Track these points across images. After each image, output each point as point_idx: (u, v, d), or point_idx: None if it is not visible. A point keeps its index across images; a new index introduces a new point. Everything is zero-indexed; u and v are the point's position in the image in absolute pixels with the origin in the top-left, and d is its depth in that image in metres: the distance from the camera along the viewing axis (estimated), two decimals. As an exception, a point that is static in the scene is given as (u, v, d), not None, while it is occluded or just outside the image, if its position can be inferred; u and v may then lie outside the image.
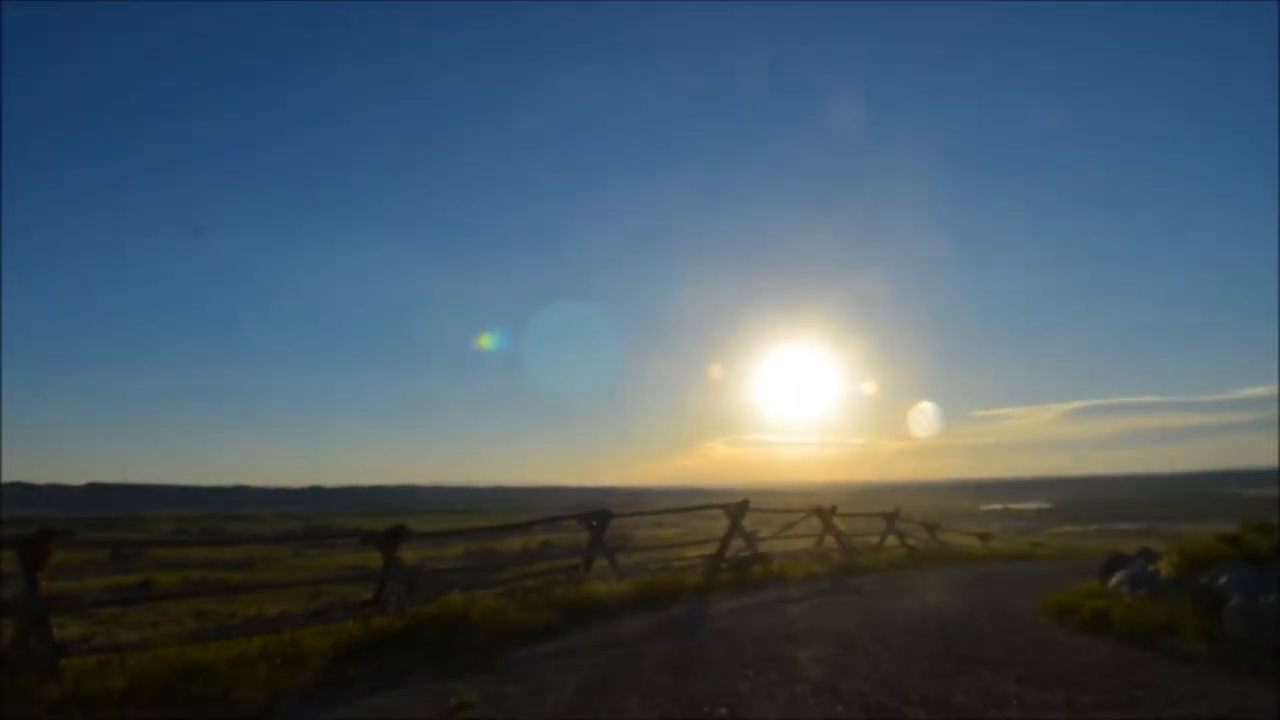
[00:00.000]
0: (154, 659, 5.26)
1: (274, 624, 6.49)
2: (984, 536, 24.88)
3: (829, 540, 15.00)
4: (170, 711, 4.68)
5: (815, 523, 15.54)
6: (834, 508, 15.58)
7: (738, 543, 11.84)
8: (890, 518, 17.87)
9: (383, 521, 9.22)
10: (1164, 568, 6.96)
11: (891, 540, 17.41)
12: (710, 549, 12.22)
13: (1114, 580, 7.62)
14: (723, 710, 4.51)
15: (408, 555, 8.07)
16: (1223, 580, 6.16)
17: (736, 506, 11.87)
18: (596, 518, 10.26)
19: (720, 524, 12.35)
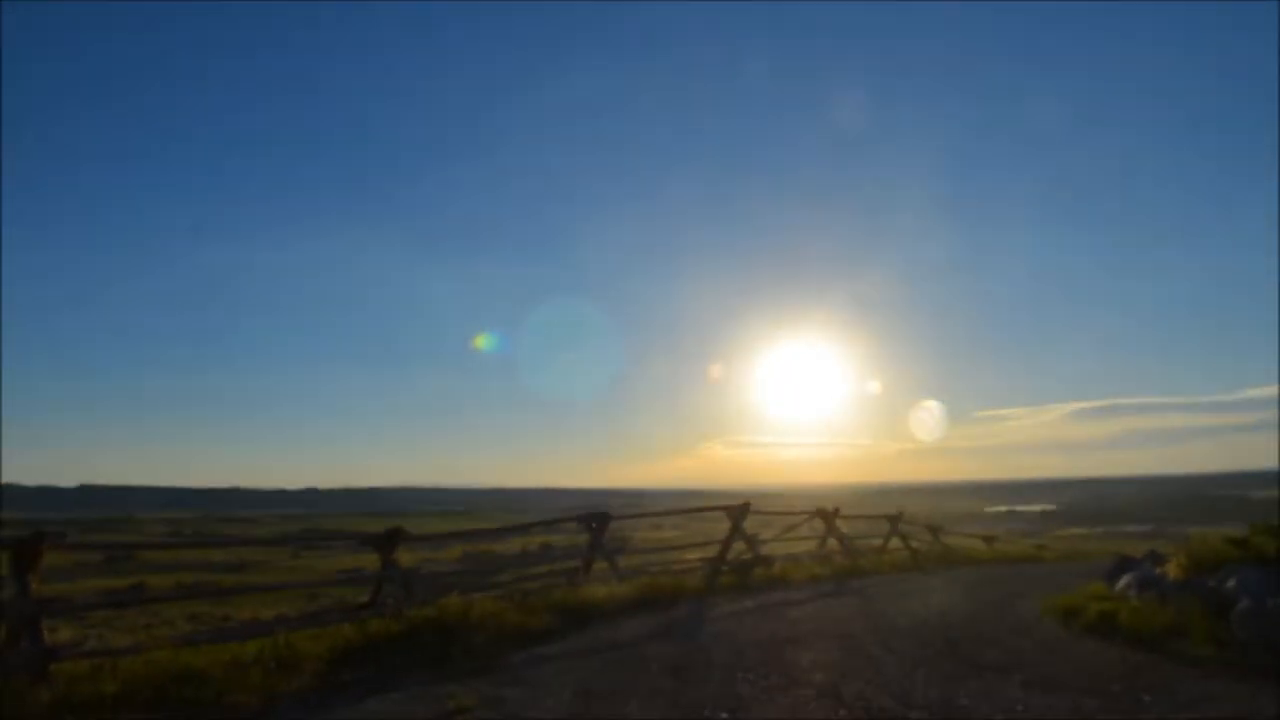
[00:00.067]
0: (147, 663, 5.19)
1: (269, 627, 6.42)
2: (988, 539, 24.81)
3: (831, 543, 14.93)
4: (163, 716, 4.62)
5: (817, 525, 15.47)
6: (836, 510, 15.51)
7: (739, 545, 11.76)
8: (893, 520, 17.80)
9: (380, 523, 9.19)
10: (1171, 570, 6.89)
11: (895, 543, 17.34)
12: (711, 551, 12.15)
13: (1121, 583, 7.55)
14: (723, 715, 4.46)
15: (405, 557, 8.02)
16: (1231, 583, 6.10)
17: (738, 508, 11.79)
18: (596, 519, 10.20)
19: (721, 526, 12.28)
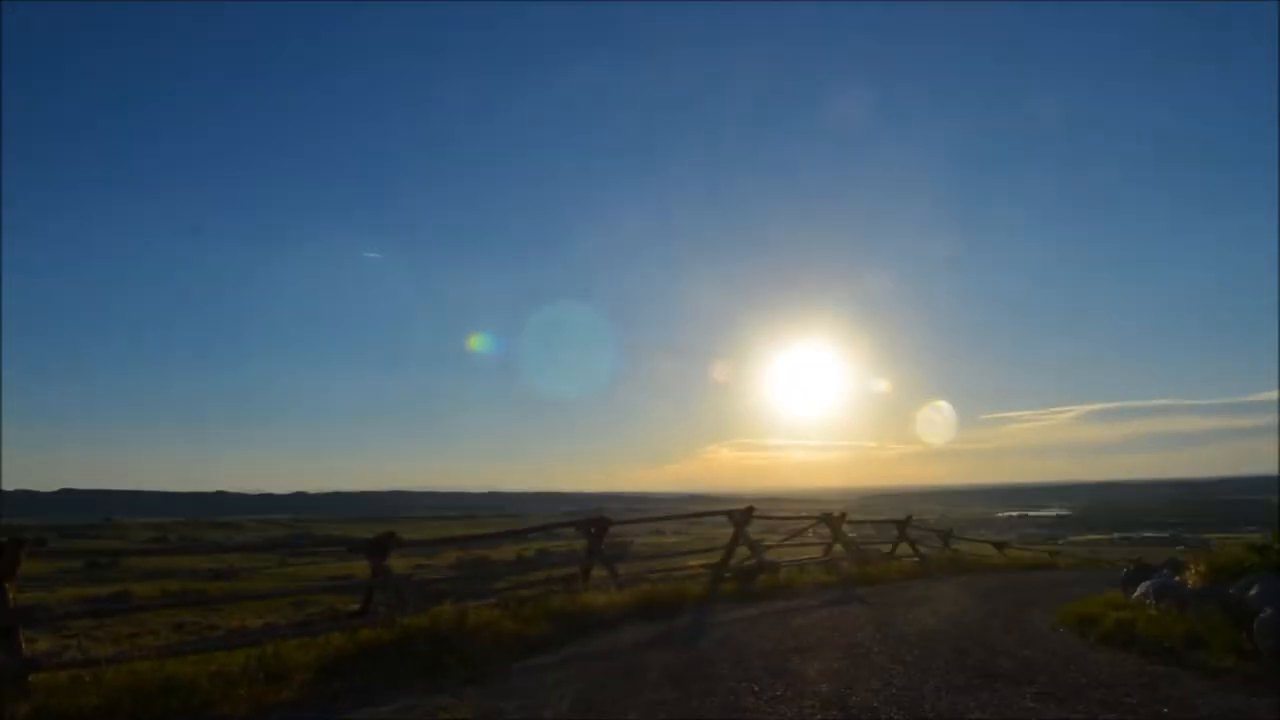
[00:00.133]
0: (130, 674, 5.08)
1: (257, 636, 6.32)
2: (1000, 545, 24.61)
3: (838, 548, 14.76)
4: (146, 728, 4.50)
5: (823, 530, 15.31)
6: (843, 514, 15.36)
7: (742, 551, 11.60)
8: (902, 525, 17.61)
9: (371, 529, 9.03)
10: (1191, 578, 6.70)
11: (903, 549, 17.16)
12: (714, 557, 11.98)
13: (1138, 591, 7.36)
14: (725, 728, 4.30)
15: (397, 564, 7.92)
16: (1253, 592, 5.91)
17: (741, 513, 11.65)
18: (594, 525, 10.08)
19: (724, 531, 12.14)
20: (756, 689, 5.11)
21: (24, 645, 5.07)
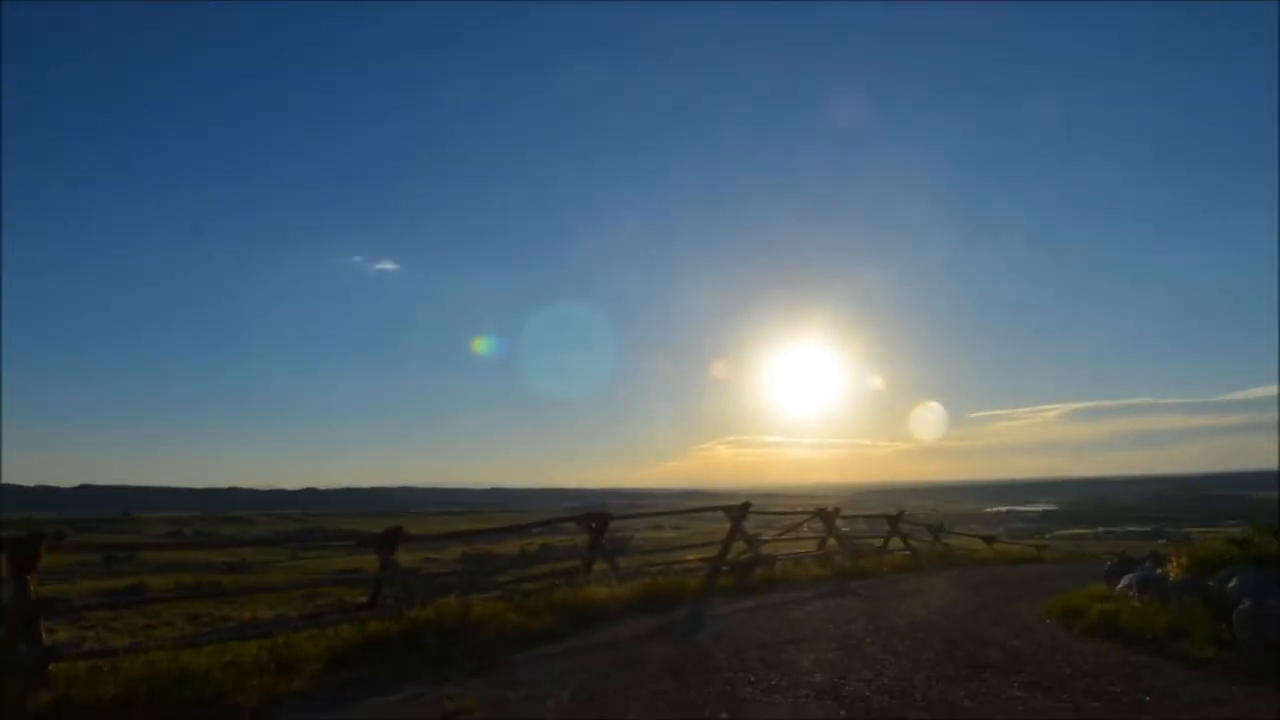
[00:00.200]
0: (146, 664, 5.17)
1: (269, 628, 6.42)
2: (989, 539, 24.82)
3: (832, 543, 14.91)
4: (162, 717, 4.61)
5: (818, 525, 15.45)
6: (837, 510, 15.50)
7: (739, 545, 11.75)
8: (894, 520, 17.79)
9: (379, 523, 9.15)
10: (1173, 571, 6.85)
11: (895, 543, 17.32)
12: (711, 552, 12.13)
13: (1122, 583, 7.51)
14: (724, 715, 4.44)
15: (405, 558, 8.00)
16: (1232, 583, 6.06)
17: (738, 509, 11.78)
18: (596, 520, 10.19)
19: (721, 526, 12.27)
20: (753, 679, 5.23)
21: (44, 635, 5.16)
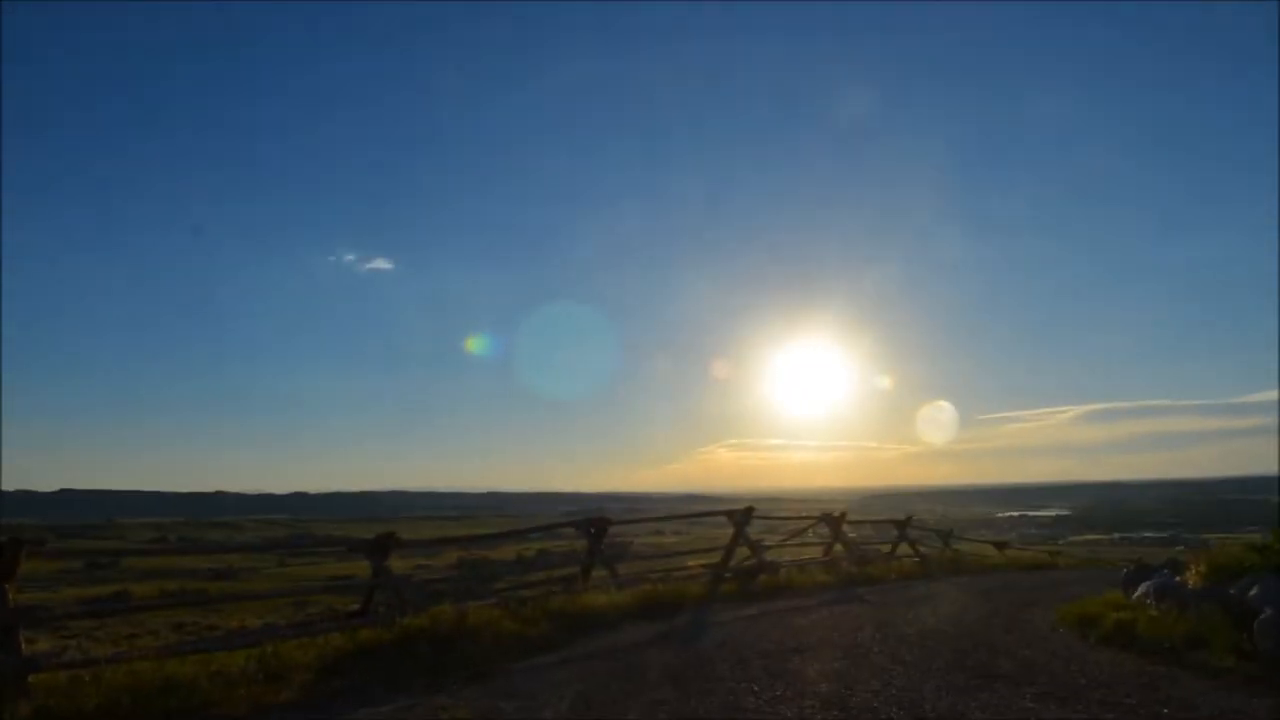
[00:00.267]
0: (130, 674, 5.07)
1: (257, 636, 6.31)
2: (1000, 545, 24.60)
3: (838, 548, 14.75)
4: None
5: (823, 530, 15.29)
6: (843, 514, 15.34)
7: (742, 551, 11.59)
8: (902, 525, 17.60)
9: (371, 529, 9.03)
10: (1191, 579, 6.70)
11: (904, 549, 17.14)
12: (714, 558, 11.97)
13: (1138, 591, 7.34)
14: (725, 728, 4.30)
15: (397, 564, 7.91)
16: (1253, 592, 5.91)
17: (741, 513, 11.64)
18: (594, 525, 10.06)
19: (724, 531, 12.11)
20: (756, 689, 5.10)
21: (24, 645, 5.06)
